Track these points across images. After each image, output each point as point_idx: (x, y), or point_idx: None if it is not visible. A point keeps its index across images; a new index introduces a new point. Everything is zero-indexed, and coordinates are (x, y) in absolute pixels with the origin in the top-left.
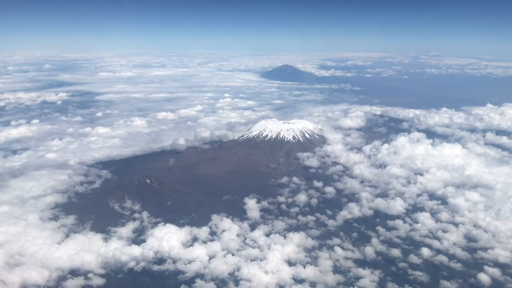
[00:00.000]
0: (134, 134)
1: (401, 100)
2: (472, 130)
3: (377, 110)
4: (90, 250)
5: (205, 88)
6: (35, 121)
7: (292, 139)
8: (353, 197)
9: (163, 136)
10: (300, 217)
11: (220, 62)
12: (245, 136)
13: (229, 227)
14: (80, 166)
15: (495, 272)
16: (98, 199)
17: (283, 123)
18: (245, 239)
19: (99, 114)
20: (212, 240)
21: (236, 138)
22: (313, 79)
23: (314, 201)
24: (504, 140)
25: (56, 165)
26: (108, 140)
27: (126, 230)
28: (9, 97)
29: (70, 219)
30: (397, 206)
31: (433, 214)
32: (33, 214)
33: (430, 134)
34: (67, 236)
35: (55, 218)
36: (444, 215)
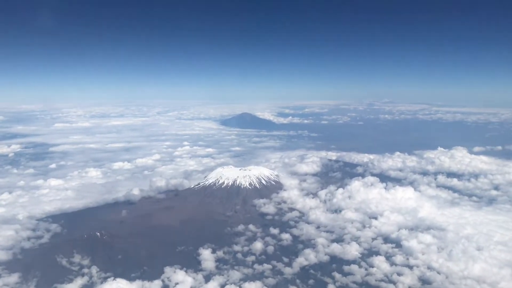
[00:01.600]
0: (88, 186)
1: (356, 145)
2: (424, 173)
3: (333, 155)
4: None
5: (163, 137)
6: None
7: (248, 186)
8: (309, 243)
9: (118, 186)
10: (256, 265)
11: (180, 111)
12: (202, 184)
13: (182, 280)
14: (29, 220)
15: None
16: (45, 255)
17: (240, 170)
18: None
19: (53, 165)
20: None
21: (192, 186)
22: (271, 126)
23: (270, 249)
24: (454, 182)
25: (3, 220)
26: (60, 192)
27: (74, 286)
28: None
29: (14, 278)
30: (353, 250)
31: (388, 257)
32: None
33: (384, 178)
34: None
35: None
36: (399, 258)
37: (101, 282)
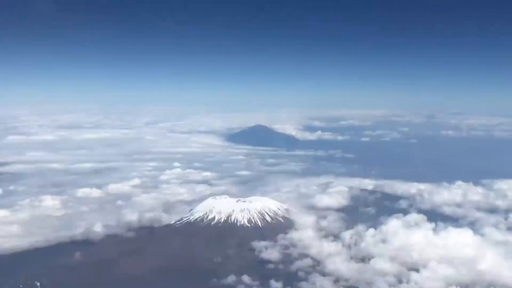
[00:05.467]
0: (41, 218)
1: (404, 171)
2: (492, 210)
3: (369, 184)
4: None
5: (149, 156)
6: None
7: (247, 224)
8: None
9: (79, 220)
10: None
11: (175, 122)
12: (185, 219)
13: None
14: None
15: None
16: None
17: (237, 201)
18: None
19: None
20: None
21: (172, 222)
22: (294, 144)
23: None
24: None
25: None
26: (3, 227)
27: None
28: None
29: None
30: None
31: None
32: None
33: (435, 215)
34: None
35: None
36: None
37: None
